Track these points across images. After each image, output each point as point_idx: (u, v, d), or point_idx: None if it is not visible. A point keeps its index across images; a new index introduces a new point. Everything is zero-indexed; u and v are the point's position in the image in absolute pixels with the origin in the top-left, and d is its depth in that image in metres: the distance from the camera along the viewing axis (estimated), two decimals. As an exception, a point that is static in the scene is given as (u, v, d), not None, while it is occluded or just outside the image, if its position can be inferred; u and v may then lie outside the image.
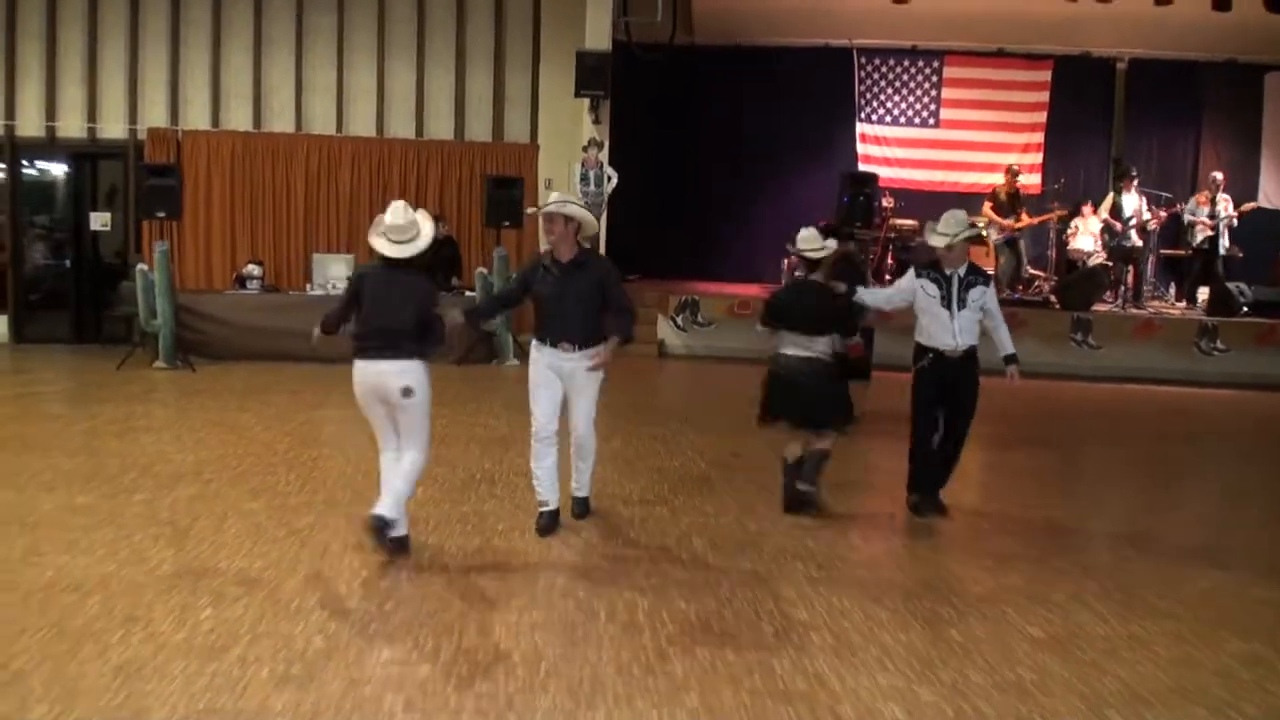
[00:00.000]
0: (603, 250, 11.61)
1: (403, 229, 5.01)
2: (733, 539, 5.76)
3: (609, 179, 12.71)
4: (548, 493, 5.64)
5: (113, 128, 12.91)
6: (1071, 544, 5.92)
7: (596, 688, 3.87)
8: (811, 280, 6.16)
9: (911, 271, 6.26)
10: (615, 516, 6.05)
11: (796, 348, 6.02)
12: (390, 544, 5.03)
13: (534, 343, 5.55)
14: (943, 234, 6.01)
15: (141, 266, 10.12)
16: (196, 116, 12.92)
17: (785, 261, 13.75)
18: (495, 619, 4.45)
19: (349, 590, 4.71)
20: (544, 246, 5.67)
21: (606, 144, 12.97)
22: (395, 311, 4.99)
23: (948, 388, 6.05)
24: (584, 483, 5.91)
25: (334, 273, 11.30)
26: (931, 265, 6.13)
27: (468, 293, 11.68)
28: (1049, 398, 10.78)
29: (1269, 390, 11.50)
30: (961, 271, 6.04)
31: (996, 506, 6.59)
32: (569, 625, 4.44)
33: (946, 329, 6.00)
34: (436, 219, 12.51)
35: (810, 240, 6.11)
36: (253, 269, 11.36)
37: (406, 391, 4.95)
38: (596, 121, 13.06)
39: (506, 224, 11.89)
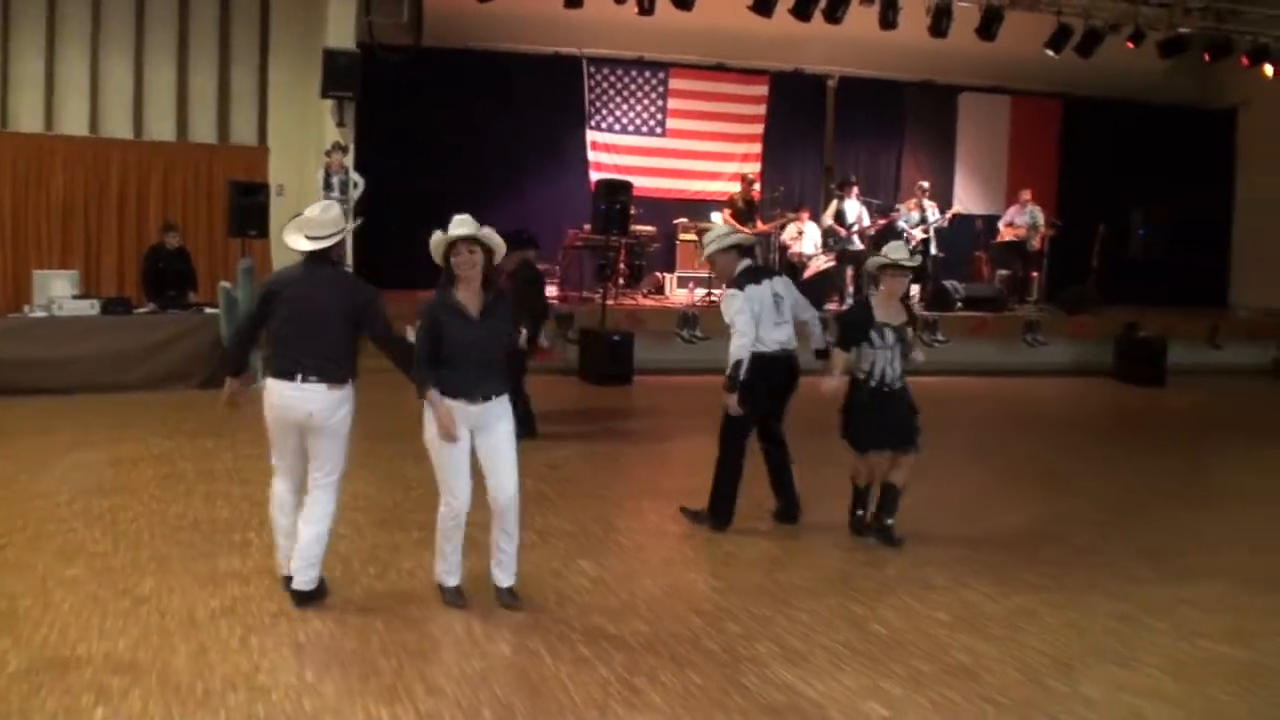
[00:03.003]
0: (350, 260, 10.87)
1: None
2: (616, 558, 5.68)
3: (355, 185, 11.99)
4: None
5: None
6: (924, 531, 6.17)
7: (593, 732, 3.68)
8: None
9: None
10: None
11: (888, 365, 5.87)
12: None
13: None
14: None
15: None
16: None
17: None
18: (436, 673, 4.09)
19: (253, 663, 4.11)
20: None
21: (352, 148, 12.24)
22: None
23: None
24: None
25: (57, 291, 9.80)
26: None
27: (207, 309, 10.52)
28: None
29: (986, 376, 13.01)
30: None
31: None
32: (518, 671, 4.17)
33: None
34: (167, 229, 11.32)
35: (902, 250, 5.93)
36: (-48, 290, 9.59)
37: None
38: (341, 124, 12.26)
39: (253, 233, 10.85)
